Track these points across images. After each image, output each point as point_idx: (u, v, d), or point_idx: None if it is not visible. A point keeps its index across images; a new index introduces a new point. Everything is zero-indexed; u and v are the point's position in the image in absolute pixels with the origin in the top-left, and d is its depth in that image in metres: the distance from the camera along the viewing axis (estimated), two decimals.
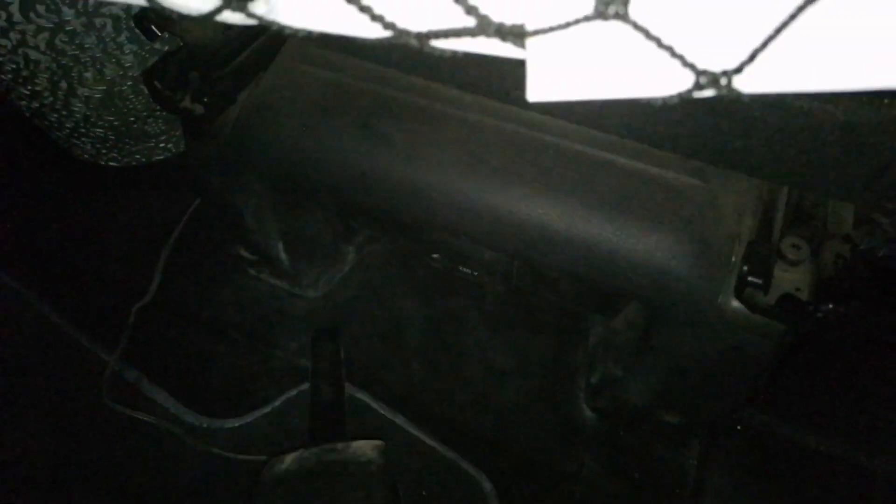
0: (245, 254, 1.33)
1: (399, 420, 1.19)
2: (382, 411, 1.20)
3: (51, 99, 1.38)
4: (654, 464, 1.17)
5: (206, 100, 1.03)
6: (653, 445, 1.18)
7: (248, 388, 1.24)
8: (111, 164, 1.60)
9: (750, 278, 0.86)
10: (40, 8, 1.17)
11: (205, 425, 1.18)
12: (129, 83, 1.37)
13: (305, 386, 1.23)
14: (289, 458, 0.99)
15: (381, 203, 1.05)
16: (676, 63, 0.29)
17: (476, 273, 1.30)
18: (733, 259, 0.90)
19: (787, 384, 1.19)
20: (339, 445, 1.01)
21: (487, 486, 1.12)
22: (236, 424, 1.19)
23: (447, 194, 0.98)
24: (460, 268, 1.30)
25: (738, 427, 1.17)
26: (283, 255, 1.28)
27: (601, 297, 1.20)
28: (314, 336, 1.25)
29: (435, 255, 1.31)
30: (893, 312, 1.20)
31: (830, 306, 0.83)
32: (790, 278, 0.89)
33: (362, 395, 1.21)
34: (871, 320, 1.20)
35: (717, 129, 0.86)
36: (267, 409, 1.20)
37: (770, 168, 0.88)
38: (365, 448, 1.00)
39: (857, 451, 1.14)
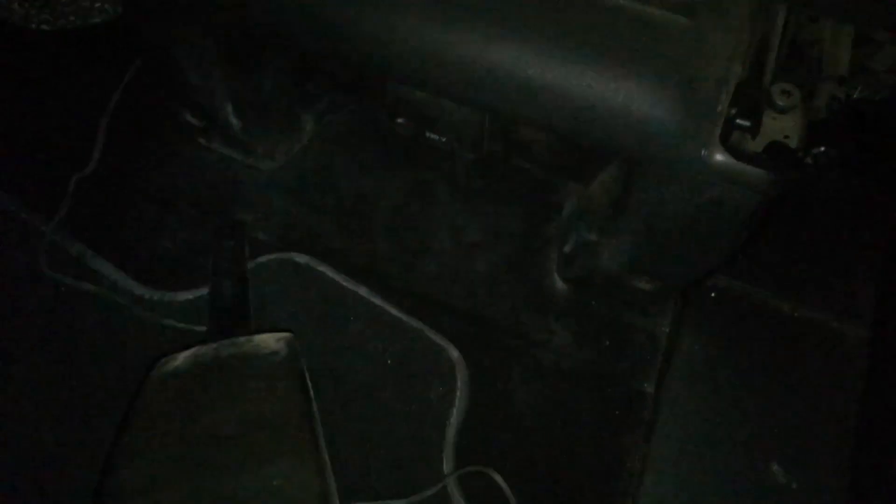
0: (192, 119, 1.22)
1: (362, 291, 1.14)
2: (344, 283, 1.14)
3: None
4: (625, 332, 1.14)
5: None
6: (624, 314, 1.16)
7: (200, 261, 1.16)
8: (43, 27, 1.45)
9: (738, 121, 0.80)
10: None
11: (155, 297, 1.12)
12: None
13: (264, 258, 1.16)
14: (182, 356, 0.89)
15: (339, 50, 0.95)
16: None
17: (445, 139, 1.22)
18: (720, 106, 0.83)
19: (761, 250, 1.16)
20: (240, 339, 0.91)
21: (454, 353, 1.09)
22: (189, 297, 1.12)
23: (410, 39, 0.89)
24: (427, 133, 1.22)
25: (712, 294, 1.14)
26: (233, 120, 1.18)
27: (577, 161, 1.14)
28: (215, 232, 1.15)
29: (400, 120, 1.21)
30: (872, 172, 1.17)
31: (822, 149, 0.78)
32: (779, 126, 0.83)
33: (323, 268, 1.15)
34: (850, 181, 1.17)
35: None
36: None
37: None
38: (268, 340, 0.90)
39: (832, 317, 1.12)
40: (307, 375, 0.87)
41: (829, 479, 1.00)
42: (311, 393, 0.86)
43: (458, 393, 1.06)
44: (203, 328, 1.08)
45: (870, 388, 1.06)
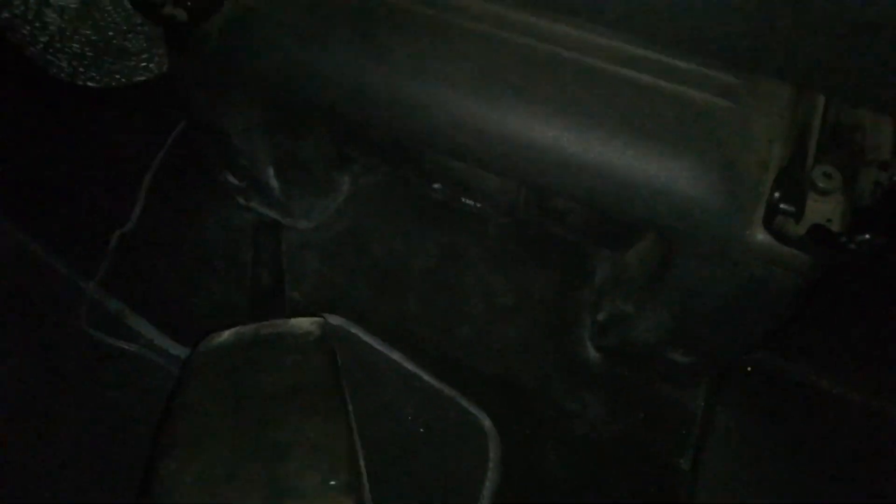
0: (233, 180, 1.25)
1: (395, 356, 1.14)
2: (378, 346, 1.14)
3: (22, 8, 1.27)
4: (659, 404, 1.12)
5: (189, 3, 0.93)
6: (659, 386, 1.14)
7: (233, 319, 1.17)
8: (90, 83, 1.49)
9: (782, 205, 0.80)
10: None
11: (184, 356, 1.12)
12: None
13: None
14: (226, 333, 0.98)
15: (380, 122, 0.98)
16: None
17: (479, 204, 1.23)
18: (762, 188, 0.83)
19: (801, 326, 1.14)
20: (277, 321, 1.00)
21: (487, 423, 1.08)
22: None
23: (453, 113, 0.90)
24: (463, 199, 1.23)
25: (749, 368, 1.12)
26: (273, 182, 1.20)
27: (612, 230, 1.14)
28: (255, 230, 1.25)
29: (436, 185, 1.23)
30: None
31: (867, 237, 0.77)
32: (821, 209, 0.82)
33: (356, 330, 1.16)
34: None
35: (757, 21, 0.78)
36: None
37: (815, 70, 0.81)
38: (303, 322, 1.00)
39: (872, 396, 1.09)
40: (337, 354, 0.96)
41: None
42: (340, 369, 0.96)
43: (489, 464, 1.05)
44: None
45: None
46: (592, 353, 1.18)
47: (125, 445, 1.06)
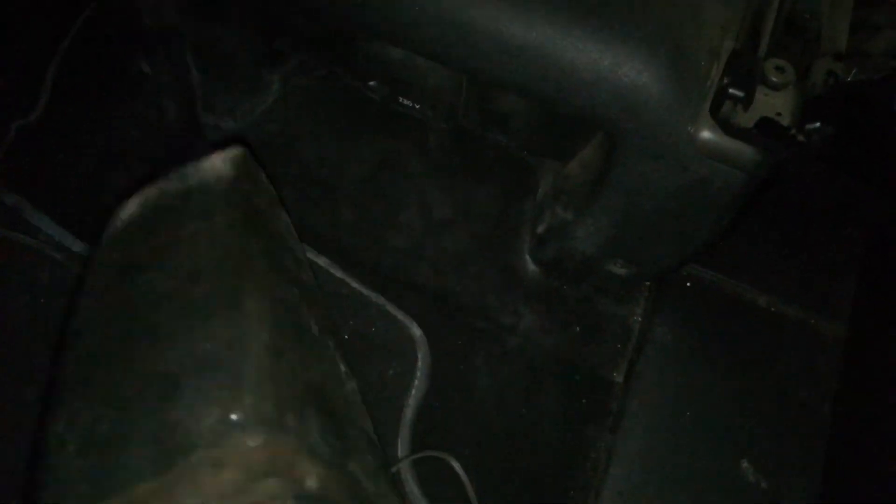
0: (147, 69, 1.14)
1: (322, 262, 1.07)
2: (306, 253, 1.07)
3: None
4: (596, 318, 1.09)
5: None
6: (597, 300, 1.11)
7: None
8: None
9: (731, 90, 0.75)
10: None
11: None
12: None
13: None
14: (133, 200, 0.75)
15: (309, 4, 0.88)
16: None
17: (418, 106, 1.15)
18: (711, 79, 0.78)
19: (741, 243, 1.11)
20: (187, 169, 0.74)
21: (417, 332, 1.03)
22: None
23: None
24: (401, 99, 1.15)
25: (688, 284, 1.09)
26: (192, 72, 1.10)
27: (556, 136, 1.08)
28: (148, 40, 1.00)
29: (372, 83, 1.15)
30: (854, 169, 1.14)
31: (817, 125, 0.73)
32: (771, 103, 0.78)
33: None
34: (831, 177, 1.13)
35: None
36: None
37: None
38: (215, 162, 0.73)
39: (809, 313, 1.08)
40: (264, 200, 0.72)
41: (800, 479, 0.96)
42: (265, 224, 0.71)
43: (417, 373, 1.00)
44: None
45: (844, 388, 1.02)
46: (531, 267, 1.14)
47: (17, 345, 0.97)
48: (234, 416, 0.61)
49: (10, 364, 0.96)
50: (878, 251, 1.11)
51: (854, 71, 0.92)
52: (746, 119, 0.77)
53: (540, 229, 1.11)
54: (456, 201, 1.18)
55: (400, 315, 1.04)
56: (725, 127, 0.76)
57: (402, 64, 1.05)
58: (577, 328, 1.09)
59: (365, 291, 1.05)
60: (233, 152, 0.75)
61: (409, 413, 0.97)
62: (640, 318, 1.10)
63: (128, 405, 0.64)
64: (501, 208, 1.18)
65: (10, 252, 1.02)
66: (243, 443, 0.60)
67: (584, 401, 1.03)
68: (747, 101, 0.75)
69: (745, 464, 0.97)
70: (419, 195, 1.18)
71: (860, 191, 1.16)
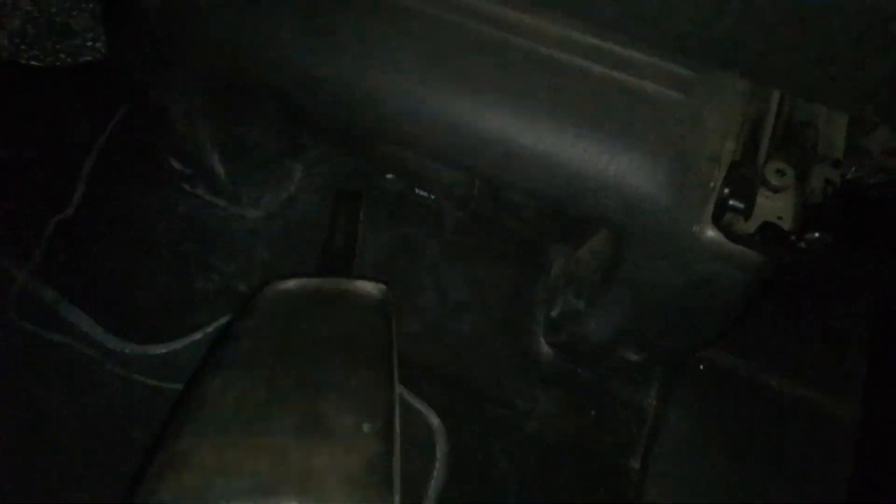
0: (177, 165, 1.20)
1: None
2: None
3: None
4: (611, 402, 1.11)
5: None
6: (611, 383, 1.12)
7: (177, 312, 1.13)
8: (33, 62, 1.43)
9: (731, 202, 0.78)
10: None
11: (126, 350, 1.08)
12: None
13: None
14: (292, 281, 0.98)
15: (327, 108, 0.94)
16: None
17: (433, 196, 1.20)
18: (713, 183, 0.82)
19: (753, 324, 1.13)
20: (342, 280, 1.00)
21: (435, 420, 1.05)
22: (162, 351, 1.09)
23: (401, 100, 0.87)
24: (416, 190, 1.20)
25: (701, 367, 1.11)
26: (218, 168, 1.16)
27: (566, 225, 1.12)
28: (337, 195, 1.23)
29: (389, 176, 1.20)
30: (865, 246, 1.15)
31: (816, 235, 0.76)
32: (772, 206, 0.81)
33: None
34: (848, 256, 1.15)
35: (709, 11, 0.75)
36: (197, 336, 1.10)
37: (768, 63, 0.79)
38: (366, 285, 0.99)
39: (822, 395, 1.09)
40: (394, 319, 0.96)
41: None
42: (394, 333, 0.95)
43: (436, 462, 1.02)
44: (176, 385, 1.04)
45: (859, 470, 1.03)
46: (545, 350, 1.16)
47: (53, 444, 1.01)
48: (365, 427, 0.82)
49: (48, 463, 1.00)
50: (888, 330, 1.11)
51: (853, 168, 0.95)
52: (749, 225, 0.80)
53: (553, 313, 1.14)
54: (471, 284, 1.22)
55: (417, 404, 1.07)
56: (728, 233, 0.79)
57: (417, 162, 1.10)
58: (593, 412, 1.11)
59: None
60: (380, 284, 0.99)
61: None
62: (654, 402, 1.11)
63: (281, 389, 0.85)
64: (516, 290, 1.22)
65: (46, 349, 1.07)
66: (369, 444, 0.81)
67: (601, 489, 1.04)
68: (747, 213, 0.77)
69: None
70: (435, 279, 1.22)
71: (870, 268, 1.17)
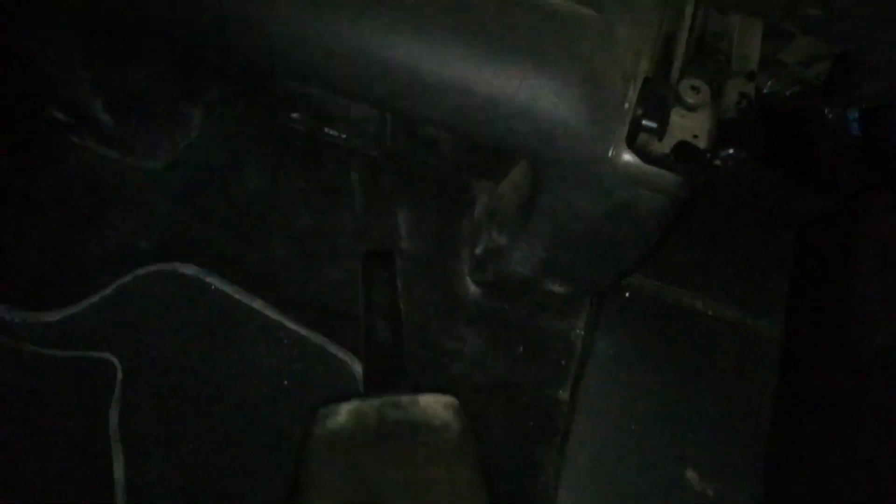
0: (59, 115, 1.09)
1: (256, 304, 1.04)
2: (236, 295, 1.04)
3: None
4: (539, 336, 1.09)
5: None
6: (538, 318, 1.11)
7: (71, 275, 1.04)
8: None
9: (644, 122, 0.74)
10: None
11: (17, 319, 1.00)
12: None
13: (144, 270, 1.05)
14: (343, 410, 0.81)
15: (217, 43, 0.85)
16: None
17: (345, 135, 1.13)
18: (626, 104, 0.78)
19: (677, 249, 1.12)
20: (404, 399, 0.83)
21: (358, 370, 1.01)
22: (57, 318, 1.00)
23: (292, 30, 0.79)
24: (325, 129, 1.13)
25: (627, 294, 1.10)
26: (103, 116, 1.05)
27: (486, 158, 1.07)
28: (364, 260, 1.04)
29: (295, 115, 1.12)
30: (783, 166, 1.15)
31: (731, 151, 0.74)
32: (688, 125, 0.78)
33: (212, 279, 1.05)
34: (761, 175, 1.14)
35: None
36: (95, 299, 1.02)
37: None
38: (436, 407, 0.82)
39: (746, 315, 1.10)
40: (477, 448, 0.82)
41: (744, 484, 0.99)
42: (483, 470, 0.80)
43: None
44: (68, 353, 0.97)
45: (782, 388, 1.05)
46: (472, 290, 1.13)
47: None
48: None
49: None
50: (807, 249, 1.13)
51: (770, 82, 0.93)
52: (664, 144, 0.77)
53: (478, 251, 1.11)
54: (392, 227, 1.17)
55: (340, 353, 1.02)
56: (642, 155, 0.76)
57: (321, 97, 1.02)
58: (521, 348, 1.09)
59: (303, 332, 1.03)
60: (451, 401, 0.82)
61: None
62: (582, 332, 1.10)
63: None
64: (439, 230, 1.17)
65: None
66: None
67: (531, 423, 1.03)
68: (661, 133, 0.74)
69: (690, 473, 0.99)
70: (354, 223, 1.16)
71: (790, 190, 1.18)
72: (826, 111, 1.02)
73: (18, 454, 0.93)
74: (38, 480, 0.93)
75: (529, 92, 0.78)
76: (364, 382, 0.97)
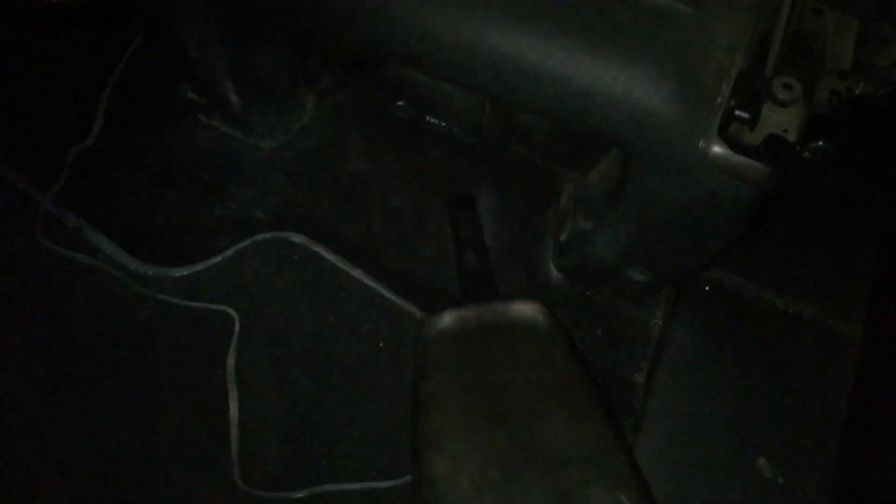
0: (193, 95, 1.22)
1: (357, 273, 1.14)
2: (340, 264, 1.14)
3: None
4: (618, 322, 1.14)
5: None
6: (618, 304, 1.15)
7: (197, 237, 1.17)
8: None
9: (737, 112, 0.79)
10: None
11: (150, 273, 1.12)
12: None
13: (260, 237, 1.16)
14: (447, 316, 0.90)
15: (335, 28, 0.95)
16: None
17: (444, 123, 1.21)
18: (720, 98, 0.82)
19: (757, 244, 1.15)
20: (497, 305, 0.91)
21: None
22: (184, 273, 1.13)
23: (407, 17, 0.88)
24: (427, 117, 1.21)
25: (706, 287, 1.14)
26: (233, 98, 1.17)
27: (575, 149, 1.13)
28: (450, 203, 1.18)
29: (400, 103, 1.21)
30: (872, 169, 1.16)
31: (820, 143, 0.77)
32: (779, 120, 0.82)
33: (319, 248, 1.15)
34: (849, 178, 1.15)
35: None
36: (217, 259, 1.14)
37: None
38: (526, 309, 0.90)
39: (825, 313, 1.11)
40: (569, 338, 0.89)
41: (815, 475, 1.00)
42: (585, 363, 0.88)
43: None
44: (193, 304, 1.09)
45: (859, 386, 1.06)
46: (555, 274, 1.19)
47: (79, 361, 1.06)
48: (622, 498, 0.74)
49: (77, 378, 1.06)
50: (893, 252, 1.13)
51: (861, 84, 0.95)
52: (754, 136, 0.81)
53: (562, 237, 1.17)
54: (482, 212, 1.24)
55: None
56: (733, 145, 0.80)
57: (427, 86, 1.11)
58: (600, 331, 1.14)
59: (398, 301, 1.12)
60: (536, 303, 0.91)
61: None
62: (660, 321, 1.14)
63: (515, 462, 0.78)
64: (526, 216, 1.24)
65: (72, 271, 1.11)
66: None
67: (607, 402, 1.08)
68: (753, 123, 0.78)
69: (761, 461, 1.02)
70: (444, 207, 1.24)
71: (875, 193, 1.18)
72: None
73: (147, 391, 1.05)
74: (161, 417, 1.05)
75: (626, 83, 0.83)
76: (462, 296, 1.07)
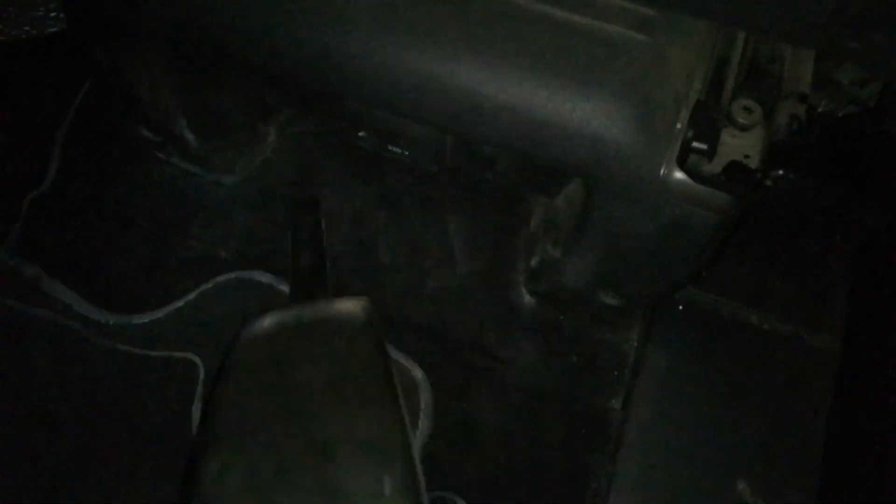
0: (148, 134, 1.19)
1: None
2: None
3: None
4: (592, 347, 1.12)
5: None
6: (592, 329, 1.13)
7: (158, 281, 1.14)
8: None
9: (694, 144, 0.77)
10: None
11: (111, 322, 1.09)
12: None
13: (223, 278, 1.13)
14: (267, 317, 0.89)
15: (290, 68, 0.92)
16: None
17: (407, 152, 1.19)
18: (679, 125, 0.81)
19: (729, 262, 1.13)
20: (320, 303, 0.92)
21: (419, 374, 1.07)
22: (145, 320, 1.10)
23: (360, 57, 0.86)
24: (389, 146, 1.19)
25: (680, 307, 1.12)
26: (189, 136, 1.15)
27: (541, 174, 1.11)
28: (293, 206, 1.16)
29: (361, 133, 1.19)
30: (843, 180, 1.14)
31: (780, 172, 0.76)
32: (739, 144, 0.81)
33: (284, 287, 1.13)
34: (820, 190, 1.14)
35: None
36: (180, 304, 1.11)
37: (721, 4, 0.77)
38: (346, 304, 0.90)
39: (802, 329, 1.10)
40: (384, 336, 0.89)
41: (797, 497, 0.99)
42: (387, 353, 0.88)
43: (420, 415, 1.04)
44: (159, 353, 1.06)
45: (838, 403, 1.04)
46: (527, 299, 1.17)
47: (43, 417, 1.03)
48: (386, 483, 0.75)
49: (37, 432, 1.02)
50: (868, 264, 1.12)
51: (824, 101, 0.94)
52: (715, 164, 0.80)
53: (533, 263, 1.15)
54: (452, 238, 1.22)
55: (401, 358, 1.08)
56: (693, 175, 0.79)
57: (386, 118, 1.08)
58: (574, 358, 1.12)
59: None
60: (362, 299, 0.90)
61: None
62: (635, 344, 1.13)
63: (287, 459, 0.78)
64: (496, 242, 1.22)
65: (30, 325, 1.08)
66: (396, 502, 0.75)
67: (583, 431, 1.06)
68: (710, 154, 0.77)
69: (741, 485, 1.00)
70: (414, 235, 1.22)
71: (849, 204, 1.17)
72: (886, 125, 1.02)
73: (106, 449, 1.02)
74: (124, 468, 1.02)
75: (583, 114, 0.82)
76: (290, 296, 1.06)
